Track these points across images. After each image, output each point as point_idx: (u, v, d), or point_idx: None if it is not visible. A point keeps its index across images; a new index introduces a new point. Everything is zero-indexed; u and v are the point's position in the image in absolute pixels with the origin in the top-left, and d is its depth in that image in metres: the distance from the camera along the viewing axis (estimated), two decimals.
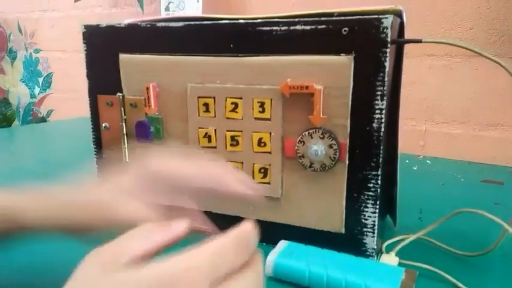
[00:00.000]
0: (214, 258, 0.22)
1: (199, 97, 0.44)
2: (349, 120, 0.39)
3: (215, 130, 0.44)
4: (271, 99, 0.41)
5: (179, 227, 0.26)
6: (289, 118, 0.41)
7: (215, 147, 0.44)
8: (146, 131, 0.47)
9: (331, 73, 0.38)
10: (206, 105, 0.43)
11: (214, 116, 0.43)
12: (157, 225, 0.25)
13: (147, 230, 0.25)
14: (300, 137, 0.40)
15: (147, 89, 0.45)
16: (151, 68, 0.45)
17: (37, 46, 2.03)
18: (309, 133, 0.40)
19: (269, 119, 0.41)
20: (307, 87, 0.39)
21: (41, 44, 2.01)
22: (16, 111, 2.20)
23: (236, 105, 0.42)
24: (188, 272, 0.21)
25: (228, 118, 0.43)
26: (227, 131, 0.43)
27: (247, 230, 0.24)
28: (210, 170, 0.33)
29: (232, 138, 0.43)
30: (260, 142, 0.42)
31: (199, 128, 0.44)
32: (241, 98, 0.42)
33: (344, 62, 0.38)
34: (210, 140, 0.44)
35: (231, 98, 0.42)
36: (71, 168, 0.80)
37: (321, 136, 0.39)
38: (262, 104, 0.41)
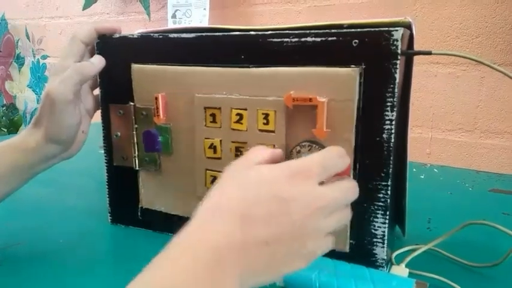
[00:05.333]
0: (325, 160, 0.31)
1: (205, 107, 0.44)
2: (353, 135, 0.38)
3: (220, 141, 0.44)
4: (275, 111, 0.40)
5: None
6: (292, 131, 0.40)
7: (220, 158, 0.44)
8: (154, 141, 0.47)
9: (336, 85, 0.38)
10: (213, 115, 0.44)
11: (220, 127, 0.43)
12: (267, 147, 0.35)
13: (264, 147, 0.34)
14: (296, 148, 0.39)
15: (156, 98, 0.45)
16: (161, 78, 0.46)
17: (44, 52, 2.05)
18: (302, 145, 0.39)
19: (273, 131, 0.41)
20: (310, 100, 0.38)
21: (49, 50, 2.04)
22: (23, 117, 2.21)
23: (241, 116, 0.42)
24: (305, 167, 0.30)
25: (233, 129, 0.43)
26: (232, 142, 0.43)
27: (338, 148, 0.33)
28: None
29: (237, 149, 0.43)
30: None
31: (205, 138, 0.44)
32: (246, 109, 0.42)
33: (349, 74, 0.37)
34: (215, 151, 0.44)
35: (236, 109, 0.42)
36: (78, 174, 0.80)
37: (314, 148, 0.38)
38: (266, 116, 0.41)
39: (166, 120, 0.46)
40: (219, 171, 0.44)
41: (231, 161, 0.43)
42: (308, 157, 0.31)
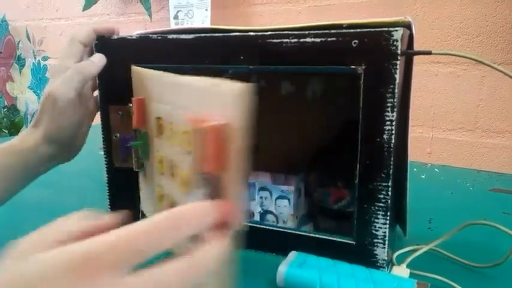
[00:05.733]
0: (139, 239, 0.20)
1: (156, 117, 0.38)
2: (237, 172, 0.25)
3: (162, 157, 0.38)
4: (190, 130, 0.30)
5: (108, 217, 0.24)
6: (201, 155, 0.27)
7: (163, 174, 0.38)
8: (125, 145, 0.44)
9: (221, 106, 0.26)
10: (160, 127, 0.37)
11: (162, 141, 0.38)
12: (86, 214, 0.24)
13: (73, 217, 0.24)
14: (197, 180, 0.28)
15: (132, 102, 0.41)
16: (143, 80, 0.42)
17: (45, 53, 2.05)
18: (200, 177, 0.27)
19: (190, 153, 0.31)
20: (202, 121, 0.26)
21: (49, 52, 2.04)
22: (24, 118, 2.22)
23: (173, 131, 0.35)
24: (98, 255, 0.19)
25: (170, 145, 0.36)
26: (168, 159, 0.36)
27: (191, 209, 0.22)
28: None
29: (172, 168, 0.35)
30: (184, 179, 0.33)
31: (156, 151, 0.39)
32: (172, 123, 0.35)
33: (232, 90, 0.25)
34: (162, 167, 0.38)
35: (170, 122, 0.35)
36: (78, 175, 0.80)
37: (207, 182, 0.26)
38: (189, 134, 0.31)
39: (141, 124, 0.41)
40: (164, 192, 0.38)
41: (169, 181, 0.35)
42: (112, 234, 0.20)
